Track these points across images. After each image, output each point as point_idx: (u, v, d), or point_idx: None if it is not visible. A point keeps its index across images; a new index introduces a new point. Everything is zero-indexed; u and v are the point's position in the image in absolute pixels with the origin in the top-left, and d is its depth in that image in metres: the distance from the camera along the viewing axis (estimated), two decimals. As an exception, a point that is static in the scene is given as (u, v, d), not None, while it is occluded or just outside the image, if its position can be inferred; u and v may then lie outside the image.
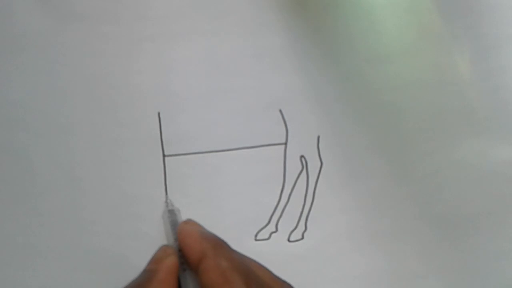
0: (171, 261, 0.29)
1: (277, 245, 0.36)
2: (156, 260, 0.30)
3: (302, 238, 0.37)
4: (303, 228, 0.37)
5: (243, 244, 0.35)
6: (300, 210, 0.37)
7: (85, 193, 0.35)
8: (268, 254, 0.36)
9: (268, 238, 0.36)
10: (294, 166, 0.37)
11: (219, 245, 0.30)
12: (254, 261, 0.30)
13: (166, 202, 0.35)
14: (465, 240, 0.38)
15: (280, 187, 0.37)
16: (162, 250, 0.31)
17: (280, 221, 0.36)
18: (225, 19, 0.36)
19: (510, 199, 0.38)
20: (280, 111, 0.37)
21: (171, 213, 0.33)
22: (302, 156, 0.37)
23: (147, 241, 0.34)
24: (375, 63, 0.38)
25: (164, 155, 0.35)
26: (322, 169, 0.37)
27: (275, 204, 0.36)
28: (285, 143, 0.37)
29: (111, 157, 0.35)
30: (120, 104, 0.35)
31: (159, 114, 0.35)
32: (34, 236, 0.34)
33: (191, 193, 0.36)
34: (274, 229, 0.36)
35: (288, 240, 0.37)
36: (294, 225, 0.37)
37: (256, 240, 0.36)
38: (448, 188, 0.38)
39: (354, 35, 0.38)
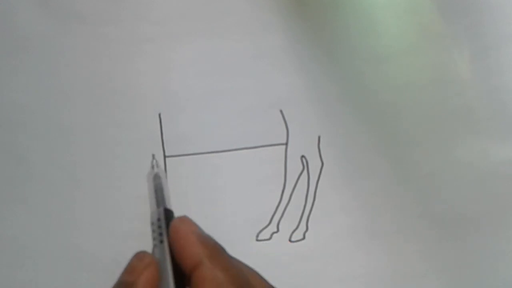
0: (150, 273, 0.25)
1: (279, 245, 0.36)
2: (131, 270, 0.26)
3: (304, 238, 0.37)
4: (304, 228, 0.37)
5: (245, 244, 0.35)
6: (301, 210, 0.37)
7: (86, 194, 0.35)
8: (269, 254, 0.36)
9: (270, 239, 0.36)
10: (295, 166, 0.37)
11: (217, 251, 0.27)
12: (251, 269, 0.28)
13: (152, 163, 0.30)
14: (465, 239, 0.38)
15: (281, 187, 0.37)
16: (138, 258, 0.26)
17: (281, 221, 0.36)
18: (225, 20, 0.36)
19: (510, 199, 0.38)
20: (281, 111, 0.37)
21: (156, 177, 0.29)
22: (303, 156, 0.37)
23: (148, 241, 0.34)
24: (375, 63, 0.38)
25: (165, 156, 0.35)
26: (323, 169, 0.37)
27: (276, 204, 0.37)
28: (286, 143, 0.37)
29: (112, 158, 0.35)
30: (121, 105, 0.35)
31: (160, 115, 0.35)
32: (34, 237, 0.34)
33: (192, 193, 0.35)
34: (275, 229, 0.36)
35: (290, 240, 0.37)
36: (295, 225, 0.37)
37: (257, 240, 0.36)
38: (448, 187, 0.38)
39: (354, 35, 0.38)
